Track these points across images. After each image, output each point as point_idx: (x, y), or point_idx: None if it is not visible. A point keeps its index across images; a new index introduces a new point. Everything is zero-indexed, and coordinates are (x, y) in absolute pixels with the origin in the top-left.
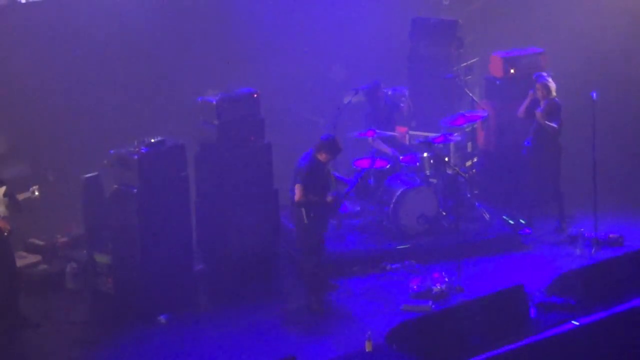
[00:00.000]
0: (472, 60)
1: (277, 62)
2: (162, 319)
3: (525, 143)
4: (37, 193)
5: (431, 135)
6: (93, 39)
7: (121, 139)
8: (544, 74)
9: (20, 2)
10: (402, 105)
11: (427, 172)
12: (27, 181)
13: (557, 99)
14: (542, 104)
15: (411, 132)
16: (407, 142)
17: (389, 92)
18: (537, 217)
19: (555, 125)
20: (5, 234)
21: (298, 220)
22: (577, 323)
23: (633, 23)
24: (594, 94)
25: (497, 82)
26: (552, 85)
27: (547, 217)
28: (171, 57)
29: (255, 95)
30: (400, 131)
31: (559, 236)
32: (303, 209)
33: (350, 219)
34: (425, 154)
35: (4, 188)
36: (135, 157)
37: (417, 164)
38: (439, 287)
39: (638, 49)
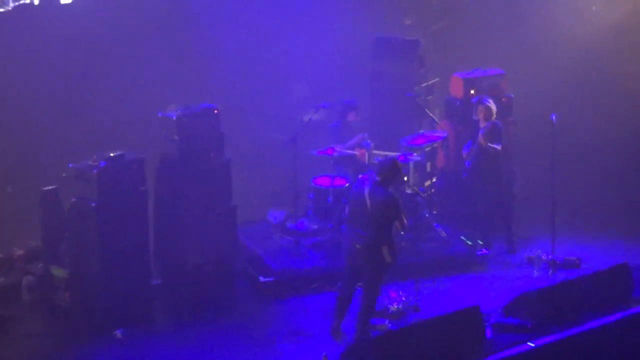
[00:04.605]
0: (432, 81)
1: (238, 78)
2: (118, 333)
3: (466, 165)
4: None
5: (391, 154)
6: (53, 52)
7: (80, 153)
8: (484, 96)
9: None
10: (351, 112)
11: None
12: None
13: (498, 121)
14: (484, 126)
15: (372, 151)
16: (367, 161)
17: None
18: (495, 238)
19: (498, 147)
20: None
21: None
22: (532, 344)
23: (592, 46)
24: (554, 117)
25: (457, 103)
26: (494, 107)
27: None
28: (132, 71)
29: (215, 111)
30: (360, 152)
31: (516, 257)
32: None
33: (309, 237)
34: None
35: None
36: (94, 171)
37: None
38: (395, 306)
39: (597, 72)
